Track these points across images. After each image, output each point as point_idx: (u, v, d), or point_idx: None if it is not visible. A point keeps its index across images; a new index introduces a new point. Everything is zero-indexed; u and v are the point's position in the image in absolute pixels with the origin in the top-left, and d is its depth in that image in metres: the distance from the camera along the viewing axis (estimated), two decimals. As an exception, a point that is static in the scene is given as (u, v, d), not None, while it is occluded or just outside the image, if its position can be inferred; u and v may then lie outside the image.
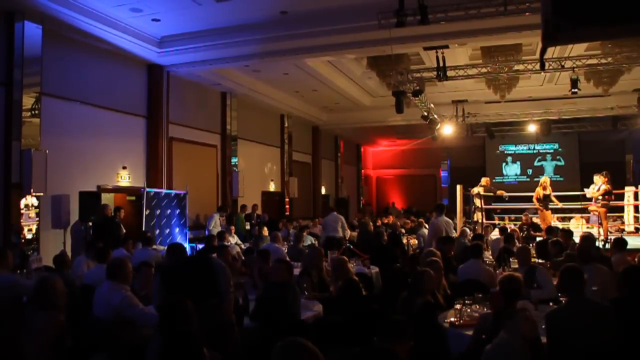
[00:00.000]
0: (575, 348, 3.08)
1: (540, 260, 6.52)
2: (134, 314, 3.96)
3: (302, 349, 2.21)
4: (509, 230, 9.71)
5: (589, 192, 10.58)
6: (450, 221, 8.59)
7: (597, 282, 4.31)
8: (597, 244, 8.52)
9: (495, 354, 2.95)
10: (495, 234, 10.20)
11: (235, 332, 3.91)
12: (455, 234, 9.38)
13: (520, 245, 6.76)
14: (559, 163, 20.28)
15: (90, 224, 8.57)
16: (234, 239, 9.82)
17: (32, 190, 7.60)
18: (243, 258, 7.39)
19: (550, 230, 8.79)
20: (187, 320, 2.94)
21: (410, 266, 6.09)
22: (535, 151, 20.63)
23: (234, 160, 13.40)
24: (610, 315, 3.37)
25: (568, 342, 3.03)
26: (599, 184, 10.41)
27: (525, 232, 10.42)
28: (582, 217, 12.78)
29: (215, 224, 10.93)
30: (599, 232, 10.27)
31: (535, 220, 12.62)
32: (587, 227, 11.08)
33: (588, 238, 6.67)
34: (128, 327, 3.96)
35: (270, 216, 13.50)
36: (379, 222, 13.82)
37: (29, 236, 7.74)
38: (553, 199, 11.30)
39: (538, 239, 9.55)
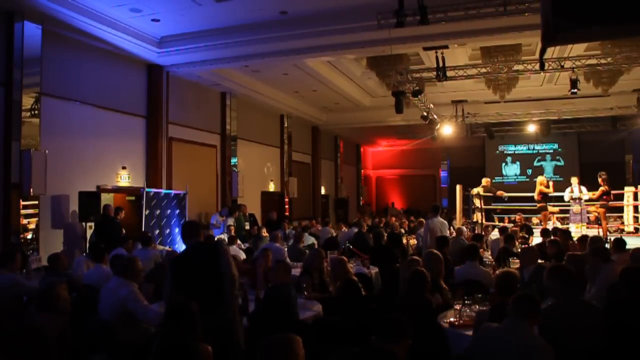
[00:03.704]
0: (566, 348, 3.09)
1: (540, 261, 6.51)
2: (136, 307, 4.01)
3: (284, 345, 2.21)
4: (509, 230, 9.69)
5: (573, 195, 10.83)
6: (445, 222, 8.61)
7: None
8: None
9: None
10: (495, 234, 10.19)
11: (237, 334, 3.89)
12: (452, 234, 9.38)
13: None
14: (558, 163, 20.28)
15: (91, 224, 8.60)
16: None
17: (31, 191, 7.60)
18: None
19: (546, 232, 8.77)
20: (192, 324, 2.95)
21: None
22: (534, 151, 20.64)
23: (233, 160, 13.40)
24: (599, 316, 3.37)
25: (559, 342, 3.04)
26: (576, 186, 10.85)
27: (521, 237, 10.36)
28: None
29: (217, 223, 11.03)
30: (598, 233, 10.27)
31: (535, 220, 12.63)
32: (587, 228, 11.09)
33: (594, 238, 6.68)
34: (129, 322, 4.00)
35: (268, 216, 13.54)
36: (381, 224, 13.82)
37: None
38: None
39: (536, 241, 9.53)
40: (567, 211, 11.97)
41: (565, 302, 3.42)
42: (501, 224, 12.35)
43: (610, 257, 4.95)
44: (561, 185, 13.49)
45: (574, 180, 11.10)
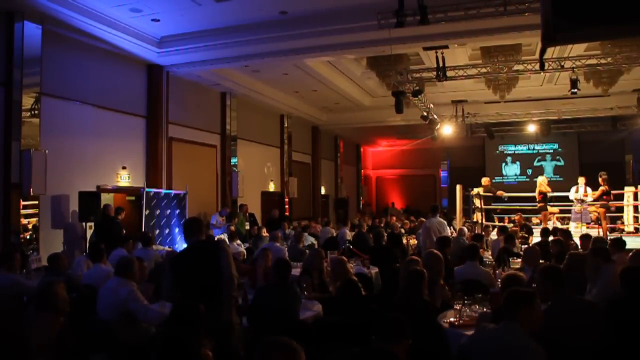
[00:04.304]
0: (565, 348, 3.08)
1: (541, 261, 6.51)
2: (137, 307, 4.02)
3: (281, 349, 2.19)
4: (509, 230, 9.68)
5: (577, 195, 10.79)
6: (444, 221, 8.60)
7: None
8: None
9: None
10: (495, 235, 10.18)
11: (236, 333, 3.90)
12: (452, 233, 9.35)
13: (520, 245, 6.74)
14: (558, 163, 20.28)
15: (91, 224, 8.61)
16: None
17: (31, 191, 7.60)
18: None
19: (546, 232, 8.76)
20: (197, 325, 2.94)
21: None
22: (534, 151, 20.64)
23: (233, 160, 13.40)
24: (598, 314, 3.36)
25: (559, 342, 3.03)
26: (582, 186, 10.80)
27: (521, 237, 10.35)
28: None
29: (217, 223, 11.04)
30: (598, 233, 10.27)
31: (535, 220, 12.61)
32: (587, 228, 11.09)
33: (597, 238, 6.67)
34: (129, 321, 4.01)
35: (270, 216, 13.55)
36: (382, 224, 13.82)
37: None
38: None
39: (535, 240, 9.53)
40: (566, 211, 11.97)
41: (561, 302, 3.41)
42: (501, 224, 12.36)
43: (611, 257, 4.95)
44: (561, 186, 13.50)
45: (581, 181, 11.03)
